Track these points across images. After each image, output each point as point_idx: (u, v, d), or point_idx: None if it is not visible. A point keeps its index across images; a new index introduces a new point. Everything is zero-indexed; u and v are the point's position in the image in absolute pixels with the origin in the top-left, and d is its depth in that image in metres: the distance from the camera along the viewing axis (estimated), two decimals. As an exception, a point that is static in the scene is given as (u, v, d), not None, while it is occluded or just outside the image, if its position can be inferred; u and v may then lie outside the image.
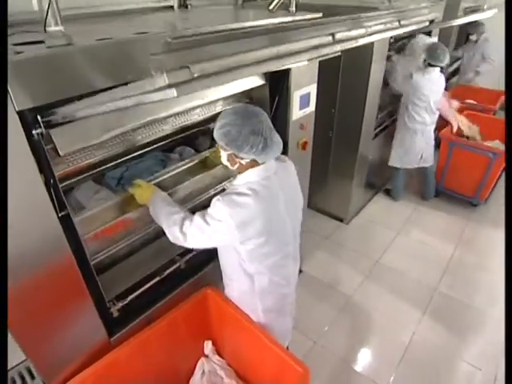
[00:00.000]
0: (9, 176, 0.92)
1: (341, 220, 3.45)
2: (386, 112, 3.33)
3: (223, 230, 1.26)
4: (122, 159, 1.68)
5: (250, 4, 2.24)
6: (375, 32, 0.99)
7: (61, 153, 1.08)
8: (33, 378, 1.70)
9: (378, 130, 3.23)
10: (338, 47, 0.88)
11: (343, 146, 3.02)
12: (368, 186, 3.53)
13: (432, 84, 3.05)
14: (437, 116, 3.25)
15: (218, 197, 1.27)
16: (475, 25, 4.30)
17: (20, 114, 0.91)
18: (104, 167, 1.62)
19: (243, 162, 1.29)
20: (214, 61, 0.60)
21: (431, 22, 2.55)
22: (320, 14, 1.78)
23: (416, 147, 3.32)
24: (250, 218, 1.25)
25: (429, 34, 3.26)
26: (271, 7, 1.75)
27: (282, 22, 0.86)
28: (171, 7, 2.05)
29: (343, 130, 2.94)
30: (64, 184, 1.37)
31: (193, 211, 1.39)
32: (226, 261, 1.50)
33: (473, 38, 4.34)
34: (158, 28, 1.36)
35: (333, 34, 0.84)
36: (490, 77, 4.52)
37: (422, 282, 2.80)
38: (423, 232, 3.34)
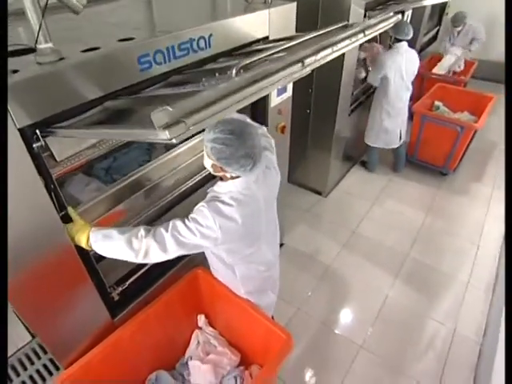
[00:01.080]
0: (13, 185, 0.99)
1: (320, 193, 3.61)
2: (361, 89, 3.43)
3: (207, 234, 1.26)
4: (109, 150, 1.75)
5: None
6: (341, 48, 1.08)
7: (58, 159, 1.16)
8: (39, 358, 1.84)
9: (353, 106, 3.34)
10: (308, 69, 0.98)
11: (321, 122, 3.13)
12: (345, 159, 3.67)
13: (404, 58, 3.14)
14: (411, 92, 3.37)
15: (203, 203, 1.29)
16: (459, 17, 4.38)
17: (21, 130, 0.98)
18: (92, 157, 1.68)
19: (228, 174, 1.32)
20: (206, 109, 0.69)
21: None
22: (294, 4, 1.84)
23: (396, 127, 3.45)
24: (233, 227, 1.29)
25: (402, 13, 3.34)
26: (248, -3, 1.78)
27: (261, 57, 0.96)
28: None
29: (320, 107, 3.04)
30: (57, 179, 1.44)
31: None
32: (206, 254, 1.57)
33: (458, 29, 4.45)
34: (138, 30, 1.41)
35: (302, 61, 0.92)
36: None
37: (395, 249, 3.02)
38: (397, 202, 3.55)
